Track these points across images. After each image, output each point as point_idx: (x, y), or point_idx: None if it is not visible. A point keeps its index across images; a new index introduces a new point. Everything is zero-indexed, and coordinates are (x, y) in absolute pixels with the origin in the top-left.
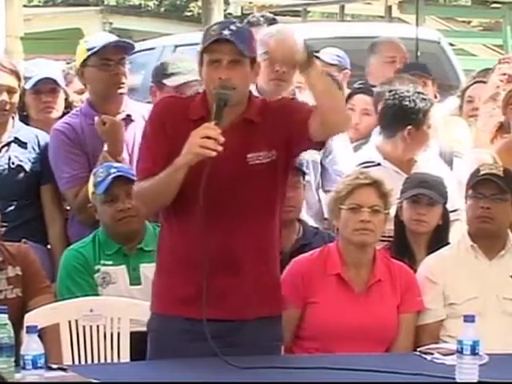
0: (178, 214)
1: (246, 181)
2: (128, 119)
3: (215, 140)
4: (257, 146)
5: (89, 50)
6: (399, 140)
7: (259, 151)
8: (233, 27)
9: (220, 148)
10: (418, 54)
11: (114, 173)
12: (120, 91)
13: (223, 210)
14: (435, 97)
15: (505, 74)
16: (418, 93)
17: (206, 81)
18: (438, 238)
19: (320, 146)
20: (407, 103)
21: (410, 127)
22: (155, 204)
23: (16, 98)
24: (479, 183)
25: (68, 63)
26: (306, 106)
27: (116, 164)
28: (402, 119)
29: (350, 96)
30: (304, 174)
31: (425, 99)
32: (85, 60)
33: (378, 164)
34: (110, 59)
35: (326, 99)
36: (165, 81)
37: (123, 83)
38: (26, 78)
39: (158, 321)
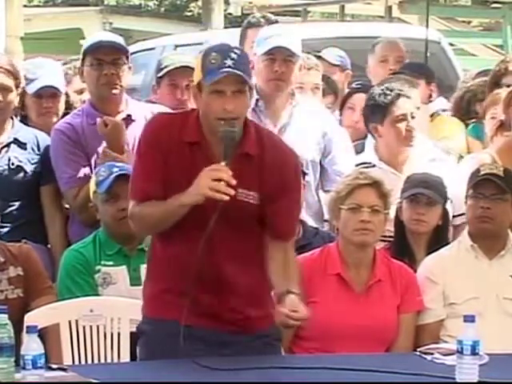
0: (170, 233)
1: (231, 212)
2: (128, 119)
3: (227, 183)
4: (249, 183)
5: (85, 49)
6: (376, 139)
7: (250, 190)
8: (233, 55)
9: (232, 192)
10: (427, 54)
11: (116, 172)
12: (113, 92)
13: (210, 238)
14: (430, 96)
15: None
16: (383, 89)
17: (206, 110)
18: (438, 238)
19: None
20: (368, 101)
21: (372, 124)
22: (154, 230)
23: (12, 97)
24: (479, 183)
25: (64, 63)
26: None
27: (118, 163)
28: (366, 118)
29: (349, 95)
30: (304, 174)
31: (386, 94)
32: (83, 59)
33: (374, 166)
34: (101, 59)
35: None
36: (159, 74)
37: (116, 84)
38: (28, 80)
39: (149, 324)
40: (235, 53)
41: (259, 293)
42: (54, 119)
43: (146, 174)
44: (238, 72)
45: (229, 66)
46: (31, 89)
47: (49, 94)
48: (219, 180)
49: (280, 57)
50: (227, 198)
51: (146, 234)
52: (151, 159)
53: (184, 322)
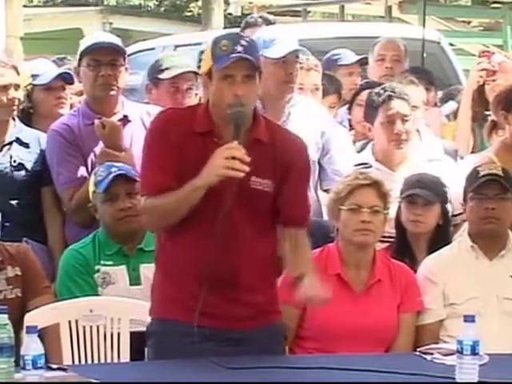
0: (182, 226)
1: (245, 202)
2: (125, 120)
3: (241, 160)
4: (262, 171)
5: (83, 49)
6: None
7: (264, 178)
8: (243, 42)
9: (247, 168)
10: (424, 55)
11: (115, 172)
12: (110, 93)
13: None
14: (435, 104)
15: (484, 70)
16: (379, 88)
17: (216, 96)
18: (439, 238)
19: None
20: (366, 100)
21: (368, 124)
22: (166, 221)
23: (20, 94)
24: (481, 184)
25: (61, 64)
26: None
27: (117, 163)
28: (365, 117)
29: (358, 92)
30: None
31: (380, 94)
32: (80, 59)
33: (371, 166)
34: (99, 60)
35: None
36: (160, 76)
37: (113, 85)
38: (34, 75)
39: (160, 325)
40: (245, 40)
41: (269, 286)
42: (66, 111)
43: (156, 168)
44: (249, 57)
45: (239, 52)
46: (43, 80)
47: (59, 85)
48: (233, 158)
49: (293, 59)
50: (242, 174)
51: (158, 226)
52: (162, 152)
53: (196, 322)
